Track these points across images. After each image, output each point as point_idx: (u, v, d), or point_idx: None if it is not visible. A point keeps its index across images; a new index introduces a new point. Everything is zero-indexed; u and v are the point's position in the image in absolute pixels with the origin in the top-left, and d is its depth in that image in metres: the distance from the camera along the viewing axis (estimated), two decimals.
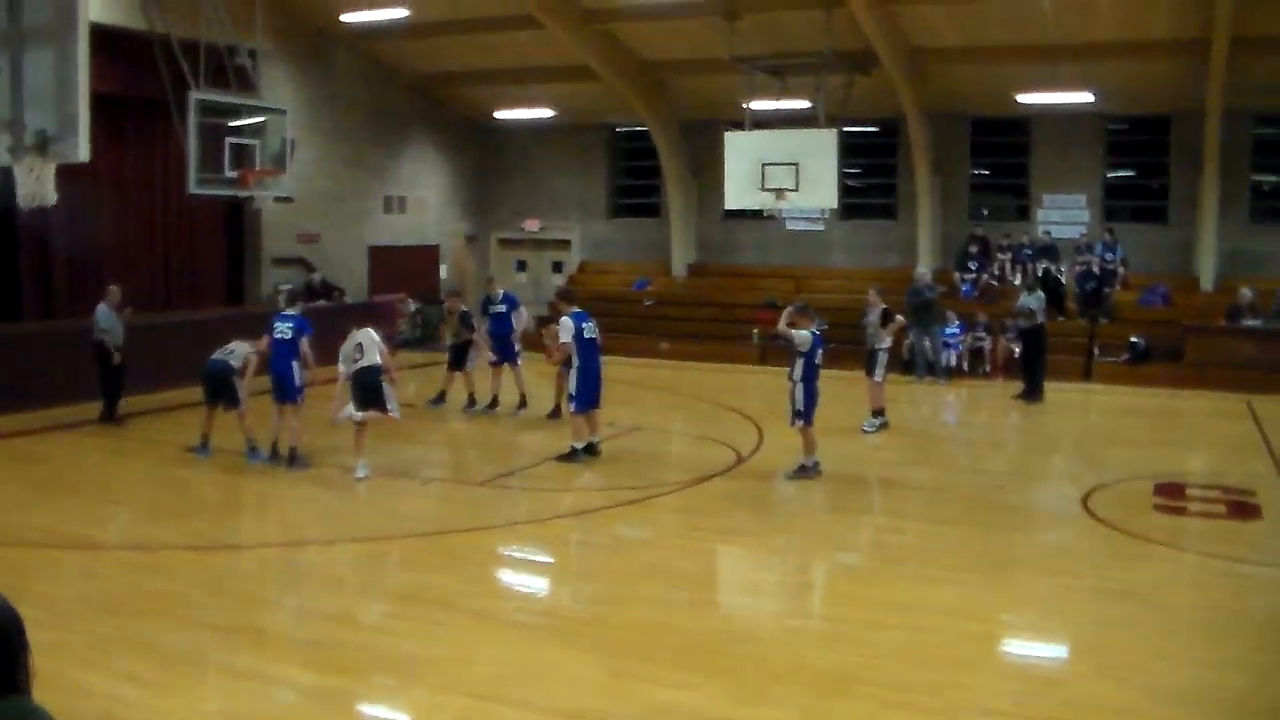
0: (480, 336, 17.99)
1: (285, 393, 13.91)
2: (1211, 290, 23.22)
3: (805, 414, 13.46)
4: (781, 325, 13.75)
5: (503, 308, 18.01)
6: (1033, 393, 19.69)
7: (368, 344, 13.32)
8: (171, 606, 8.92)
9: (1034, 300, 19.77)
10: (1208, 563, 10.55)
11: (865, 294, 17.82)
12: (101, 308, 16.19)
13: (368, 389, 13.25)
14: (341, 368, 13.42)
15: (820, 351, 13.57)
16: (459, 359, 18.08)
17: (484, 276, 22.84)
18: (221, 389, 14.15)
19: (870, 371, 16.75)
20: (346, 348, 13.43)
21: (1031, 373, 19.90)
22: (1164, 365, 21.56)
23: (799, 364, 13.42)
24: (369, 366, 13.25)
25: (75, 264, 20.74)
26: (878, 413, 16.76)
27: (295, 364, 13.86)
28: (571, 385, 14.39)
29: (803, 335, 13.42)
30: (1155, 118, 24.36)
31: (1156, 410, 19.31)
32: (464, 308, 18.57)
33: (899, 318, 17.17)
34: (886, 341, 16.83)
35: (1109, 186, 25.26)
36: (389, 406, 13.35)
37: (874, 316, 16.98)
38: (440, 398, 18.25)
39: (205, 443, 14.39)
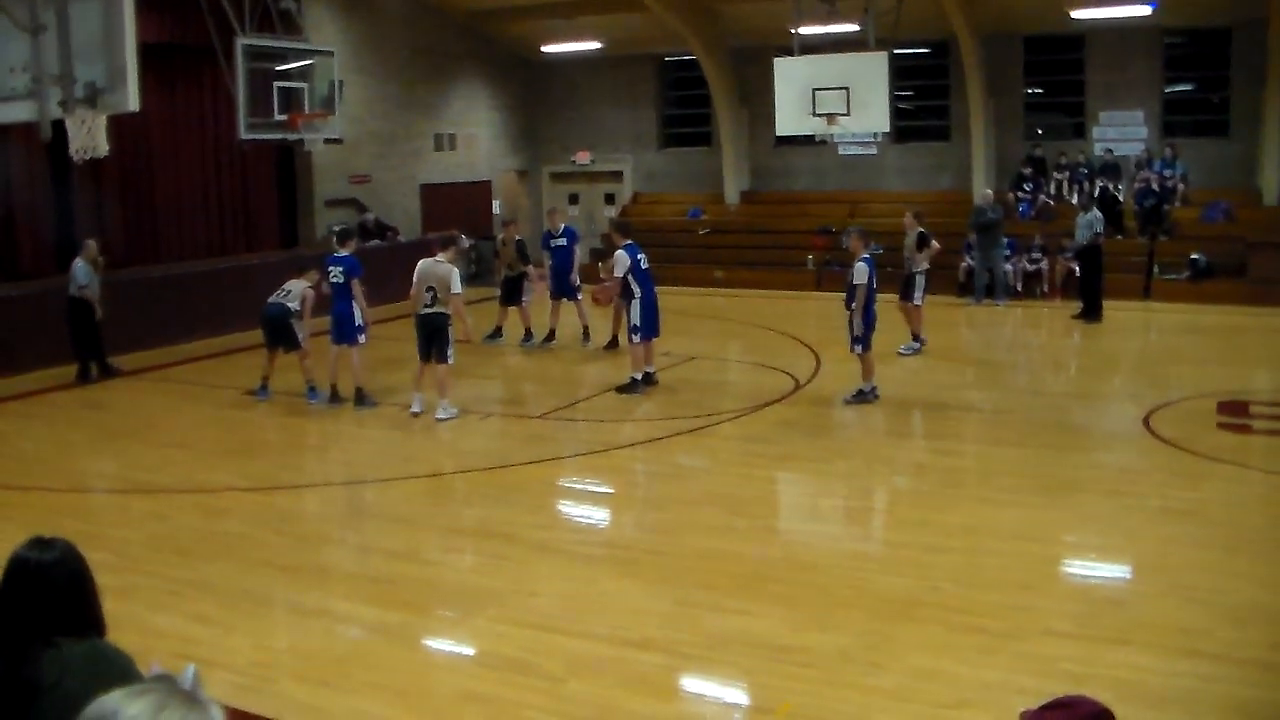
0: (534, 271, 17.96)
1: (344, 334, 13.92)
2: (1276, 204, 22.72)
3: (864, 339, 13.42)
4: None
5: (564, 241, 17.95)
6: (1091, 312, 19.48)
7: (440, 290, 13.22)
8: (237, 547, 9.06)
9: (1090, 219, 19.52)
10: (1273, 479, 10.44)
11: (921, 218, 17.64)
12: (78, 263, 15.77)
13: (435, 333, 13.29)
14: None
15: (874, 275, 13.52)
16: (513, 293, 18.02)
17: (545, 209, 22.69)
18: (281, 332, 14.22)
19: (907, 295, 16.65)
20: (418, 282, 13.30)
21: (1090, 292, 19.68)
22: (1226, 282, 21.22)
23: (858, 291, 13.36)
24: (441, 313, 13.26)
25: (129, 214, 20.90)
26: (916, 336, 16.70)
27: (354, 305, 13.84)
28: (635, 316, 14.35)
29: (859, 267, 13.36)
30: (1215, 29, 23.74)
31: (1218, 328, 19.03)
32: (519, 237, 18.51)
33: (934, 242, 16.97)
34: (924, 265, 16.70)
35: (1168, 101, 24.71)
36: (448, 353, 13.34)
37: (911, 239, 16.87)
38: (497, 332, 18.24)
39: (265, 385, 14.51)
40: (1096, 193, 23.10)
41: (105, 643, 3.39)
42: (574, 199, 30.95)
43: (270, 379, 14.50)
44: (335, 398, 14.12)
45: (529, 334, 17.94)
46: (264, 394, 14.48)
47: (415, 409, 13.44)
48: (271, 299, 14.32)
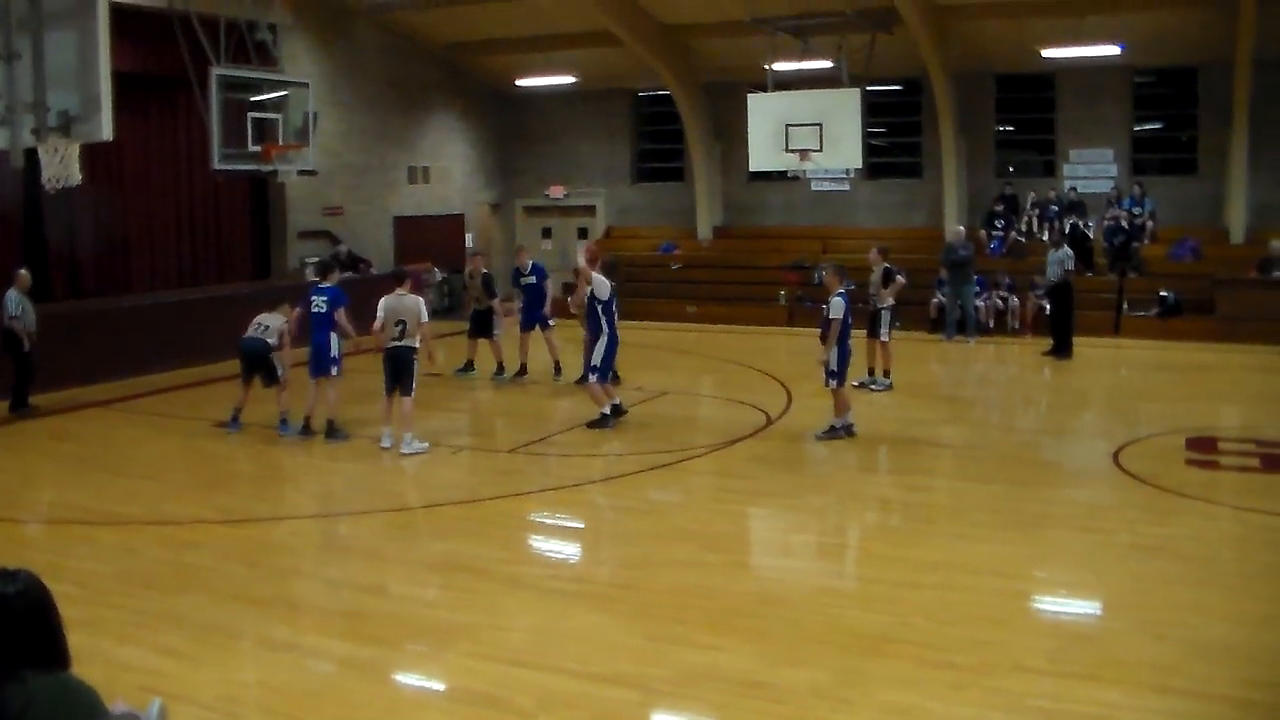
0: (500, 305, 17.92)
1: (321, 366, 13.91)
2: (1242, 243, 22.97)
3: (838, 374, 13.46)
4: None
5: (533, 279, 17.90)
6: (1062, 349, 19.60)
7: (411, 322, 13.30)
8: (206, 580, 8.98)
9: (1061, 256, 19.66)
10: (1242, 516, 10.48)
11: (892, 254, 17.72)
12: (11, 293, 15.38)
13: (402, 367, 13.30)
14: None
15: (849, 311, 13.56)
16: (483, 326, 17.96)
17: (515, 246, 22.69)
18: (260, 366, 14.19)
19: (874, 333, 16.69)
20: (386, 316, 13.32)
21: (1060, 329, 19.80)
22: (1194, 319, 21.41)
23: (832, 325, 13.39)
24: (409, 346, 13.31)
25: (101, 243, 20.82)
26: (886, 373, 16.77)
27: (333, 336, 13.82)
28: (598, 357, 14.30)
29: (834, 301, 13.41)
30: (1183, 69, 24.06)
31: (1187, 364, 19.16)
32: (485, 270, 18.48)
33: (899, 278, 17.00)
34: (889, 301, 16.75)
35: (1136, 140, 24.99)
36: (412, 386, 13.35)
37: (876, 275, 16.92)
38: (468, 366, 18.22)
39: (236, 417, 14.42)
40: (1067, 230, 23.28)
41: (71, 676, 3.35)
42: (547, 233, 31.00)
43: (243, 411, 14.43)
44: (307, 430, 14.05)
45: (500, 368, 17.91)
46: (235, 426, 14.40)
47: (385, 443, 13.39)
48: (248, 334, 14.24)
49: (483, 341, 18.02)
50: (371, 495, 11.99)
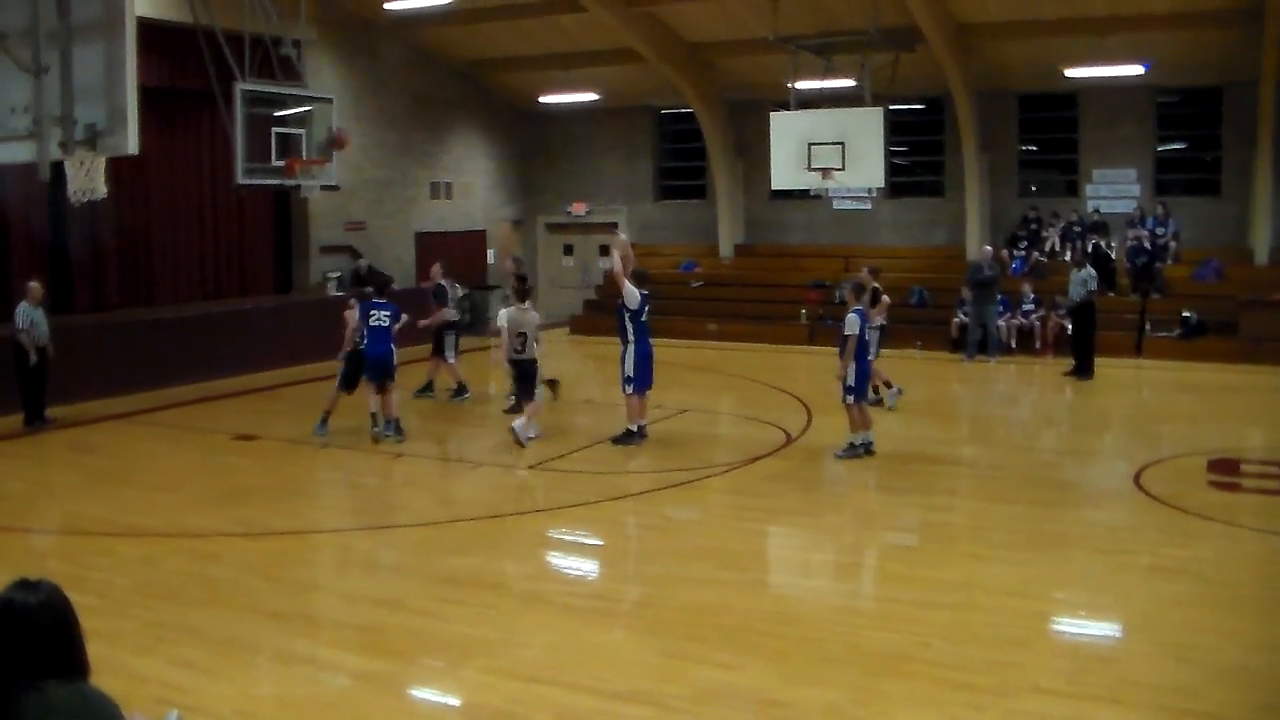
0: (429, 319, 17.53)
1: (386, 373, 14.59)
2: (1266, 264, 22.86)
3: (856, 390, 13.44)
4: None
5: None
6: (1083, 369, 19.53)
7: (531, 335, 14.27)
8: (225, 593, 9.01)
9: (1084, 276, 19.60)
10: (1264, 539, 10.43)
11: (914, 273, 17.69)
12: (22, 306, 15.46)
13: (527, 375, 14.44)
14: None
15: (865, 327, 13.57)
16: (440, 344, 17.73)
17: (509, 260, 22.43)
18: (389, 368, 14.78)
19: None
20: (508, 330, 14.39)
21: (1082, 349, 19.73)
22: (1217, 340, 21.31)
23: (848, 342, 13.38)
24: (531, 359, 14.35)
25: (124, 256, 20.94)
26: (887, 384, 16.66)
27: (393, 347, 14.62)
28: (629, 367, 14.27)
29: (850, 318, 13.40)
30: (1207, 89, 23.98)
31: (1209, 385, 19.07)
32: (440, 281, 18.03)
33: (885, 298, 16.82)
34: (878, 320, 16.57)
35: (1160, 160, 24.92)
36: (536, 393, 14.62)
37: (866, 296, 16.82)
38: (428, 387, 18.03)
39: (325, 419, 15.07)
40: (1090, 249, 23.23)
41: (90, 687, 3.36)
42: (569, 249, 31.07)
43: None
44: (399, 430, 14.68)
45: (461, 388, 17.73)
46: (323, 430, 14.88)
47: (531, 434, 14.34)
48: (365, 341, 14.65)
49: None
50: (390, 510, 12.04)
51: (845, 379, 13.45)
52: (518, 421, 14.19)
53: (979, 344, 21.80)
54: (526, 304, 14.53)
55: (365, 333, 14.66)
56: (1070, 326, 20.69)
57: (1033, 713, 6.69)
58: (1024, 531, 10.59)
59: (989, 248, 22.88)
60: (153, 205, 21.32)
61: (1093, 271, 20.02)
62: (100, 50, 8.72)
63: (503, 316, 14.65)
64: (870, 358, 15.81)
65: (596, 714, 6.78)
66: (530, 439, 14.20)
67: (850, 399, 13.54)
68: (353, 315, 14.94)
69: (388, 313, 14.68)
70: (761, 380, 19.39)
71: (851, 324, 13.41)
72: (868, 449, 13.57)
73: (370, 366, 14.61)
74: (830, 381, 14.10)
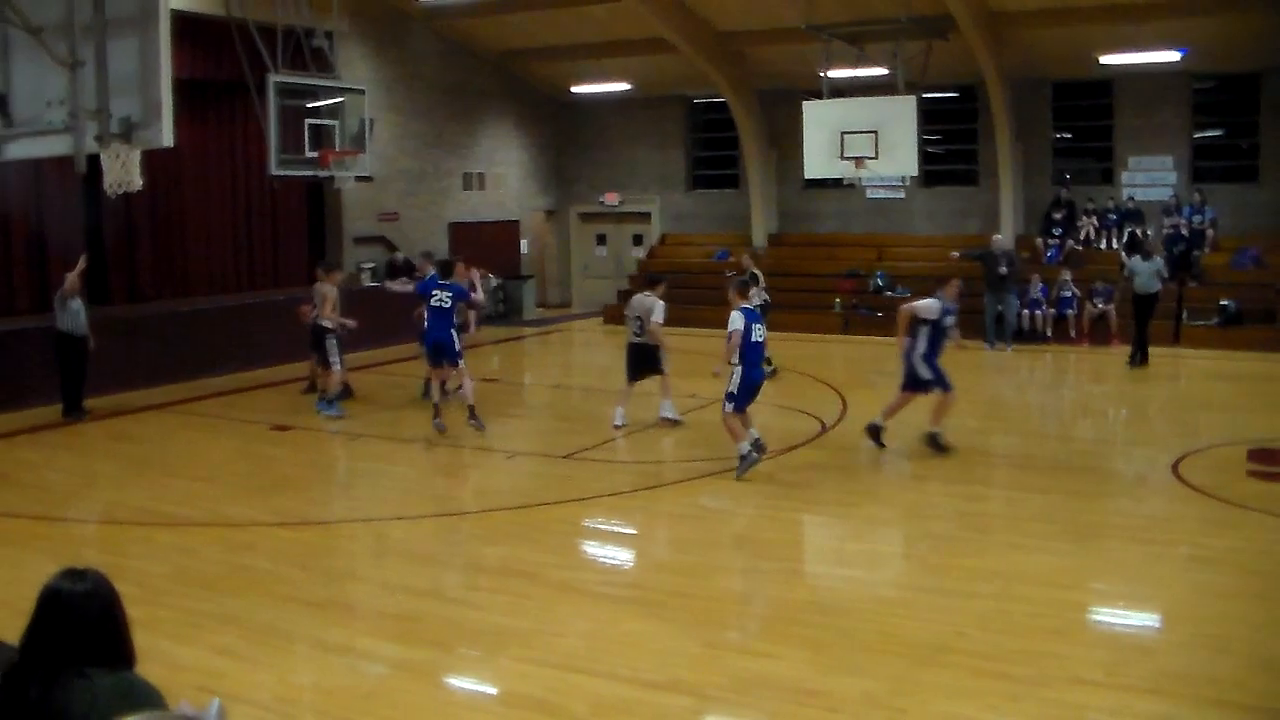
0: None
1: (450, 356, 14.50)
2: None
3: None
4: None
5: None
6: (1144, 357, 19.38)
7: (645, 318, 14.44)
8: (262, 582, 9.06)
9: (1156, 266, 19.46)
10: None
11: (949, 262, 17.60)
12: (72, 300, 15.48)
13: (645, 359, 14.64)
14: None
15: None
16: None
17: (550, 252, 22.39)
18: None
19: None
20: (630, 313, 14.76)
21: (1142, 338, 19.50)
22: (1256, 328, 21.13)
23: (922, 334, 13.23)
24: (647, 342, 14.56)
25: (160, 248, 21.07)
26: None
27: (454, 330, 14.51)
28: (734, 384, 12.37)
29: (928, 303, 13.28)
30: (1244, 75, 23.73)
31: (1248, 374, 18.91)
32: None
33: (956, 281, 16.49)
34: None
35: (1197, 147, 24.69)
36: (663, 369, 14.81)
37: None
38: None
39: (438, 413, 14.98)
40: (1125, 238, 23.08)
41: (135, 675, 3.39)
42: (601, 239, 31.08)
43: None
44: (474, 416, 14.55)
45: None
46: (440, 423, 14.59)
47: (617, 422, 14.58)
48: (432, 321, 14.55)
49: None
50: (426, 499, 12.07)
51: (919, 371, 13.24)
52: (665, 404, 14.79)
53: (997, 331, 21.73)
54: (649, 292, 14.71)
55: (426, 314, 14.66)
56: (1135, 315, 20.07)
57: (1071, 703, 6.66)
58: (1061, 521, 10.53)
59: (999, 236, 22.82)
60: (187, 197, 21.44)
61: (1162, 261, 19.85)
62: (135, 44, 8.79)
63: (632, 302, 14.99)
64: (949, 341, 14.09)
65: (634, 703, 6.79)
66: (670, 416, 14.75)
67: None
68: (325, 289, 15.36)
69: (450, 293, 14.52)
70: (796, 370, 19.33)
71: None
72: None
73: (430, 350, 14.66)
74: (866, 371, 14.01)
